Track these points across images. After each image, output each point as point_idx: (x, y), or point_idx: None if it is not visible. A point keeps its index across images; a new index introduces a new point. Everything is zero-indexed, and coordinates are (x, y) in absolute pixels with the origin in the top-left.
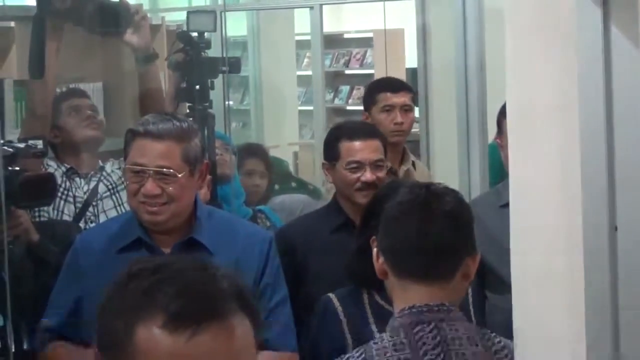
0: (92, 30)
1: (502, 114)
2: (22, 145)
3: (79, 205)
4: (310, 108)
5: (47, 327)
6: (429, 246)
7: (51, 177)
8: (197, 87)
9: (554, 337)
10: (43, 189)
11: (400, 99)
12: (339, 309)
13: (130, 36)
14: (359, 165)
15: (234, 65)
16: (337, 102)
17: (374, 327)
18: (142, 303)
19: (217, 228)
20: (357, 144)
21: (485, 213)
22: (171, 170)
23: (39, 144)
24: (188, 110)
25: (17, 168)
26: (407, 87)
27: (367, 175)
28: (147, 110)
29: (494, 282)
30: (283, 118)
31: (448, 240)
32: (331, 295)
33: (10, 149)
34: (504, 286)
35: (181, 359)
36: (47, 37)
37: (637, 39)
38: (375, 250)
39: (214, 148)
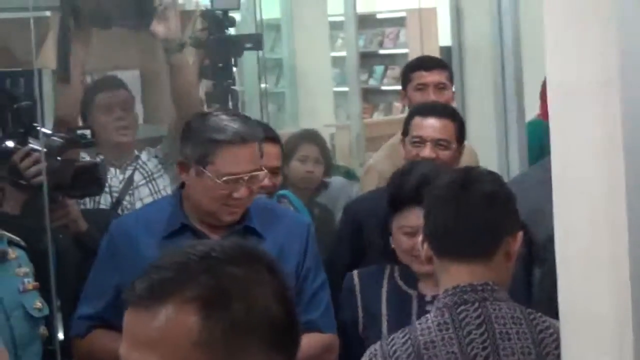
0: (122, 27)
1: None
2: (71, 135)
3: (115, 194)
4: (345, 89)
5: (86, 314)
6: (467, 225)
7: (101, 166)
8: (220, 65)
9: (600, 319)
10: (94, 179)
11: (434, 77)
12: (357, 286)
13: (156, 26)
14: (421, 141)
15: (256, 42)
16: (371, 82)
17: (384, 306)
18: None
19: (261, 214)
20: (424, 120)
21: (533, 187)
22: (262, 172)
23: (88, 133)
24: (213, 88)
25: (67, 158)
26: (443, 64)
27: (426, 152)
28: (180, 101)
29: (541, 258)
30: (318, 100)
31: (485, 218)
32: (355, 272)
33: (60, 139)
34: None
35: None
36: (73, 42)
37: None
38: (420, 237)
39: None
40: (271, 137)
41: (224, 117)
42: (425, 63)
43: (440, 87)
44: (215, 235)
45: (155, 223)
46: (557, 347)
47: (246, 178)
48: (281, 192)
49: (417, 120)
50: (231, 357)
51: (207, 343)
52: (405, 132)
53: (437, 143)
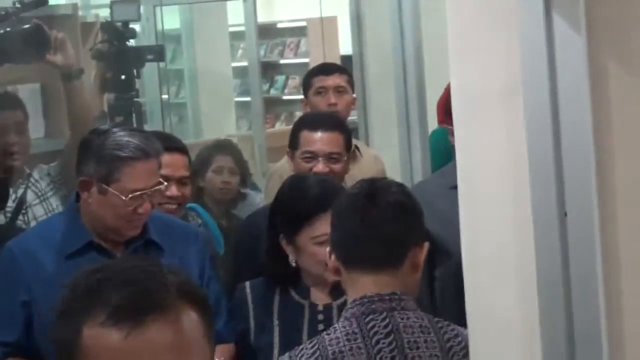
0: (17, 62)
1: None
2: None
3: (8, 215)
4: (247, 99)
5: (1, 341)
6: (374, 236)
7: (4, 180)
8: (123, 76)
9: (506, 324)
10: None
11: (334, 80)
12: (249, 297)
13: (52, 57)
14: (313, 156)
15: (158, 54)
16: (273, 92)
17: (275, 317)
18: (86, 302)
19: (157, 226)
20: (314, 134)
21: (435, 194)
22: (163, 185)
23: None
24: (116, 101)
25: None
26: (342, 69)
27: (319, 167)
28: (77, 124)
29: (448, 263)
30: (220, 110)
31: (393, 229)
32: (247, 283)
33: None
34: (459, 267)
35: (123, 354)
36: None
37: (579, 22)
38: (327, 249)
39: None
40: (178, 147)
41: (122, 133)
42: (325, 67)
43: (339, 90)
44: (117, 250)
45: (55, 240)
46: (466, 355)
47: (150, 193)
48: (189, 205)
49: (305, 133)
50: (212, 345)
51: (207, 336)
52: (293, 145)
53: (329, 157)
